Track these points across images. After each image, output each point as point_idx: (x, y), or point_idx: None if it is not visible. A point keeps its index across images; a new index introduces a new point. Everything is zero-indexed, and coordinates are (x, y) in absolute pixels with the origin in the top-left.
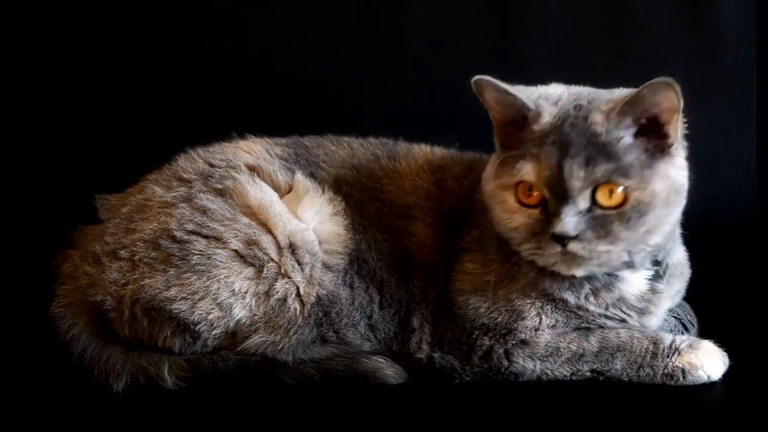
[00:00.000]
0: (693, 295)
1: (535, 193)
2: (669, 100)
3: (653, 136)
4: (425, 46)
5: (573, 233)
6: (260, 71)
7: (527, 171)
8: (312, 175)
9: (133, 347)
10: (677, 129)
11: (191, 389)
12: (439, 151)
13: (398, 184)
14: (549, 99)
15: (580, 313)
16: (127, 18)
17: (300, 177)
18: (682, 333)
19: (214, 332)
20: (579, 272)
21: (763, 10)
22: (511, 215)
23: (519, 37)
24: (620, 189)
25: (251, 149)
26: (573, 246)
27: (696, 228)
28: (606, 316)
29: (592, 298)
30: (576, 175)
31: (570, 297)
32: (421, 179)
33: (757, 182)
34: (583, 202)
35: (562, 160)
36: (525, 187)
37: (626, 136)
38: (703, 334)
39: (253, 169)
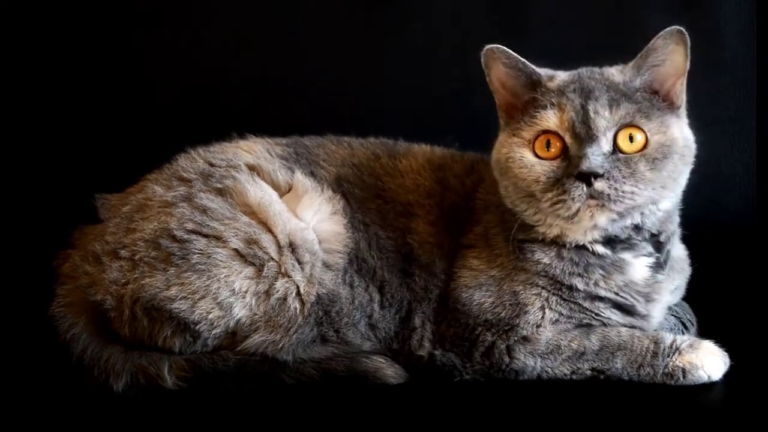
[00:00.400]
0: (693, 295)
1: (554, 147)
2: (678, 57)
3: (660, 99)
4: (425, 46)
5: (600, 170)
6: (260, 71)
7: (549, 117)
8: (312, 174)
9: (133, 347)
10: (682, 92)
11: (191, 389)
12: (439, 150)
13: (399, 182)
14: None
15: (586, 304)
16: (127, 18)
17: (299, 176)
18: (682, 332)
19: (214, 332)
20: (602, 220)
21: (763, 10)
22: (530, 168)
23: (518, 38)
24: (640, 136)
25: (251, 149)
26: (599, 184)
27: (696, 228)
28: (615, 303)
29: (602, 283)
30: (601, 114)
31: (579, 283)
32: (422, 177)
33: (757, 182)
34: (606, 145)
35: (586, 103)
36: (543, 140)
37: (641, 90)
38: (703, 334)
39: (253, 168)
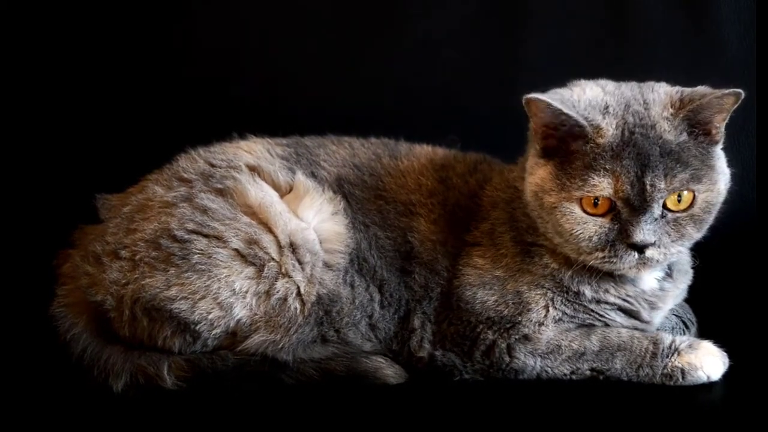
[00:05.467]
0: (693, 295)
1: (602, 204)
2: (727, 106)
3: (700, 133)
4: (427, 46)
5: (653, 240)
6: (261, 71)
7: (605, 186)
8: (313, 175)
9: (133, 347)
10: (722, 127)
11: (191, 389)
12: (441, 151)
13: (401, 182)
14: (595, 107)
15: (592, 306)
16: (127, 18)
17: (301, 177)
18: (683, 331)
19: (214, 332)
20: (645, 274)
21: (763, 10)
22: (582, 226)
23: (519, 37)
24: (687, 193)
25: (252, 149)
26: (651, 252)
27: None
28: (620, 308)
29: (612, 290)
30: (658, 187)
31: (588, 290)
32: (424, 177)
33: (757, 182)
34: (657, 210)
35: (642, 175)
36: (592, 198)
37: (686, 139)
38: (703, 334)
39: (253, 169)
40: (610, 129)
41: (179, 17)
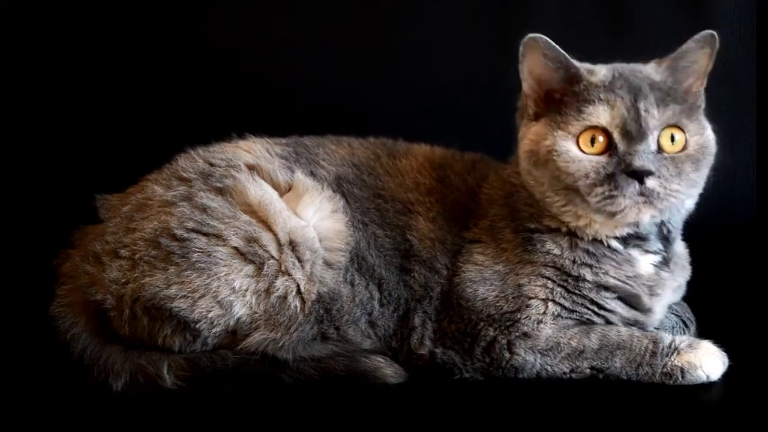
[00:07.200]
0: (693, 295)
1: (599, 143)
2: (705, 59)
3: (683, 93)
4: (425, 46)
5: (652, 168)
6: (261, 72)
7: (599, 113)
8: (312, 174)
9: (133, 346)
10: (702, 93)
11: (190, 389)
12: (438, 150)
13: (399, 181)
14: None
15: (591, 295)
16: (127, 18)
17: (300, 175)
18: (683, 330)
19: (214, 330)
20: (646, 217)
21: (763, 10)
22: (578, 164)
23: (518, 37)
24: (679, 136)
25: (251, 148)
26: (651, 182)
27: (695, 228)
28: (621, 295)
29: (612, 272)
30: (652, 113)
31: (588, 274)
32: (422, 176)
33: (757, 182)
34: (653, 143)
35: (636, 100)
36: (589, 135)
37: (673, 86)
38: (703, 334)
39: (252, 168)
40: (602, 70)
41: (179, 17)
